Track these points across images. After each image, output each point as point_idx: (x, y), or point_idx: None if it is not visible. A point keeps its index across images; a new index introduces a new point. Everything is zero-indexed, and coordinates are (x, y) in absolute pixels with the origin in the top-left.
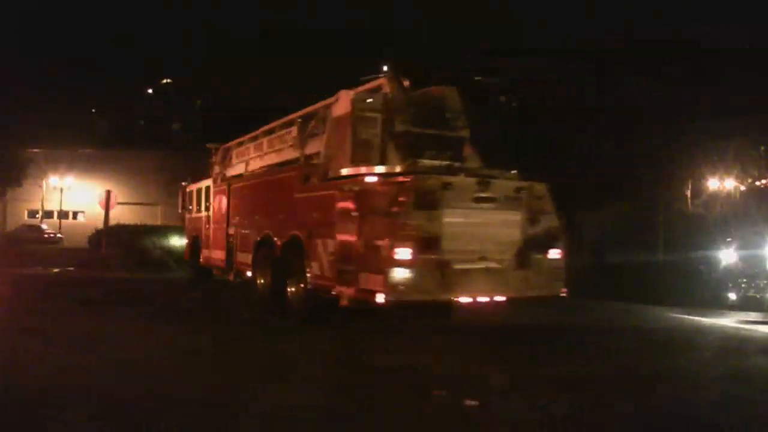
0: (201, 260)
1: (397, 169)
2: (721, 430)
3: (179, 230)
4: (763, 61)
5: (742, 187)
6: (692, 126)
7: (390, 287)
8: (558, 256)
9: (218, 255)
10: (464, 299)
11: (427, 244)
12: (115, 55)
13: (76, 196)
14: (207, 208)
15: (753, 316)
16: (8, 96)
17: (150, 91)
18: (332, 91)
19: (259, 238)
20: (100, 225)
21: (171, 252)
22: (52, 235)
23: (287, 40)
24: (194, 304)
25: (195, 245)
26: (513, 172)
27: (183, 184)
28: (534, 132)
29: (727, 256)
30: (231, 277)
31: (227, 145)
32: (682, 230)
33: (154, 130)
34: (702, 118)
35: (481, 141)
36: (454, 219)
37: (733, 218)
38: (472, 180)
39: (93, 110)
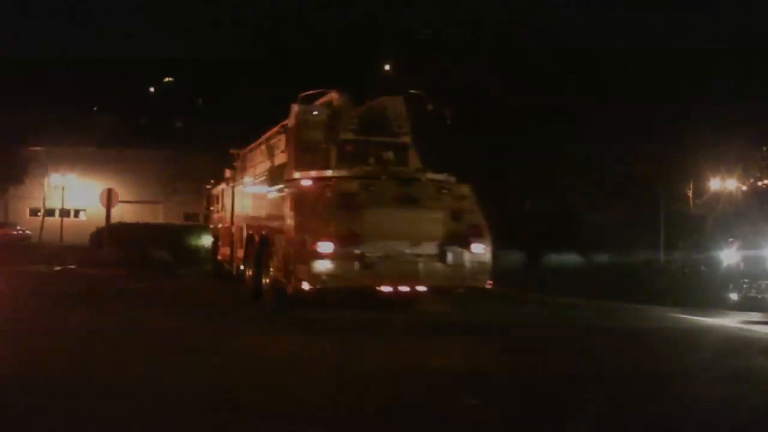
0: (219, 257)
1: (330, 173)
2: (724, 430)
3: (181, 229)
4: (765, 62)
5: (744, 188)
6: (695, 127)
7: (313, 277)
8: (482, 251)
9: (226, 251)
10: (385, 288)
11: (348, 239)
12: (117, 53)
13: (77, 195)
14: (221, 209)
15: (755, 316)
16: (10, 94)
17: (152, 89)
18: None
19: (246, 236)
20: (102, 223)
21: (179, 250)
22: (20, 232)
23: (291, 38)
24: (188, 297)
25: (215, 243)
26: (444, 173)
27: (207, 187)
28: (535, 134)
29: (729, 256)
30: (234, 271)
31: (243, 150)
32: (684, 230)
33: (156, 128)
34: (705, 119)
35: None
36: (375, 216)
37: (734, 218)
38: (393, 182)
39: (95, 108)
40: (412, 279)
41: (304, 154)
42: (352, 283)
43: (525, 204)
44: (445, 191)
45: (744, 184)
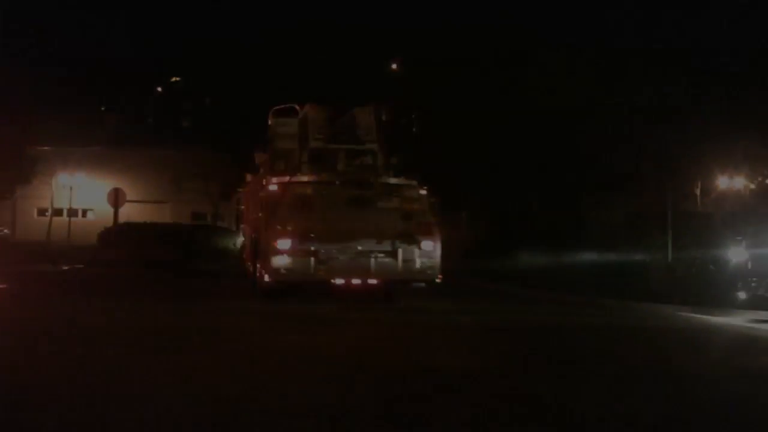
0: (244, 255)
1: (291, 178)
2: (733, 428)
3: (189, 229)
4: None
5: (752, 186)
6: (703, 125)
7: (273, 271)
8: (431, 248)
9: (246, 250)
10: (339, 281)
11: (304, 237)
12: (124, 52)
13: (85, 194)
14: (245, 212)
15: (763, 315)
16: (17, 93)
17: (159, 89)
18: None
19: (250, 235)
20: (110, 223)
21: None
22: None
23: (295, 36)
24: (192, 294)
25: (243, 243)
26: (400, 177)
27: (239, 190)
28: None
29: (737, 255)
30: (247, 268)
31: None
32: (692, 229)
33: (163, 128)
34: (713, 117)
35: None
36: (330, 217)
37: (742, 217)
38: (348, 185)
39: (102, 108)
40: (365, 274)
41: (278, 161)
42: (308, 277)
43: (530, 204)
44: (398, 194)
45: (752, 182)
